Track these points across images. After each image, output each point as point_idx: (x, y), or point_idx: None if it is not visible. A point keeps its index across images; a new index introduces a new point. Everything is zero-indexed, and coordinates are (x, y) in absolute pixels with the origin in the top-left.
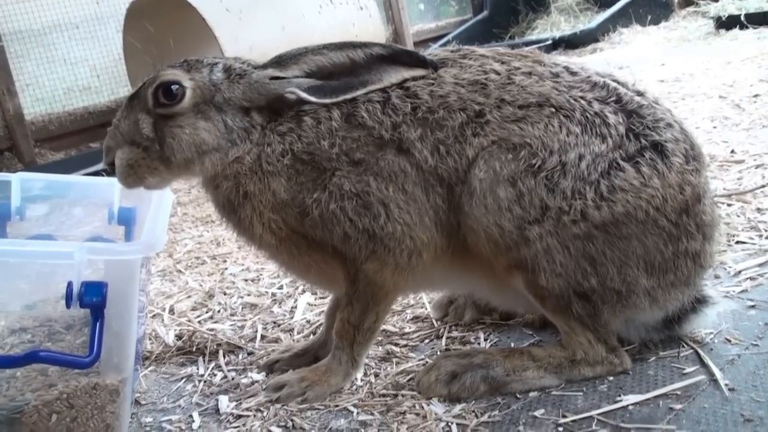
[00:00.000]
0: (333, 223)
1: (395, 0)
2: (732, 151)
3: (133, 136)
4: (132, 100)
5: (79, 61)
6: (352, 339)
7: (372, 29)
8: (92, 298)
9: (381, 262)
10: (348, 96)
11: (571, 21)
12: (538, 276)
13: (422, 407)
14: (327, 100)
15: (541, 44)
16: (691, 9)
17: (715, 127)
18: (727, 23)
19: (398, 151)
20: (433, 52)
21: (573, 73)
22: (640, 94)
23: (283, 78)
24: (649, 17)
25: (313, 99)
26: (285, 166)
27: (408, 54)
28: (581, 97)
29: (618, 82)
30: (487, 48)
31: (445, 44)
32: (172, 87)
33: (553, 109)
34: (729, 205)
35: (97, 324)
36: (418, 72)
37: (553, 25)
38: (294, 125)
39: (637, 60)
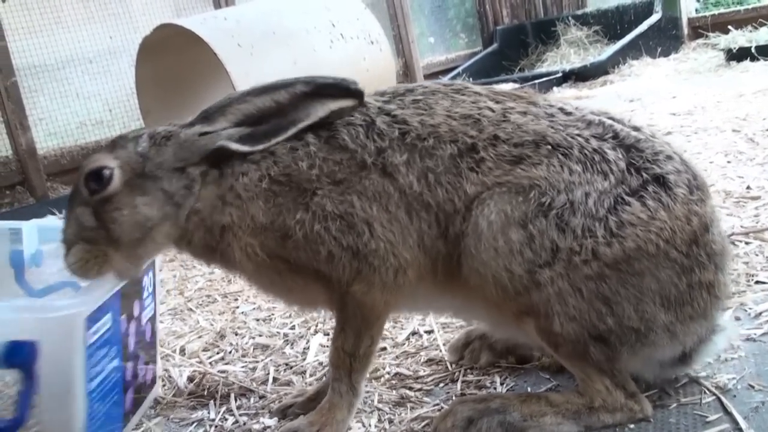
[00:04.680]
0: (317, 243)
1: (405, 33)
2: (748, 187)
3: (80, 233)
4: (71, 201)
5: (92, 96)
6: (349, 367)
7: (383, 63)
8: (19, 358)
9: (368, 282)
10: (280, 138)
11: (580, 53)
12: (552, 321)
13: None
14: (259, 146)
15: (552, 77)
16: (701, 41)
17: (729, 162)
18: (738, 55)
19: (382, 173)
20: (423, 83)
21: (568, 113)
22: (636, 129)
23: (212, 132)
24: (659, 49)
25: (245, 148)
26: (263, 189)
27: (331, 86)
28: (578, 135)
29: (613, 119)
30: (483, 86)
31: (455, 77)
32: (100, 172)
33: (550, 147)
34: (747, 243)
35: (26, 385)
36: (346, 103)
37: (563, 58)
38: (266, 153)
39: (648, 93)
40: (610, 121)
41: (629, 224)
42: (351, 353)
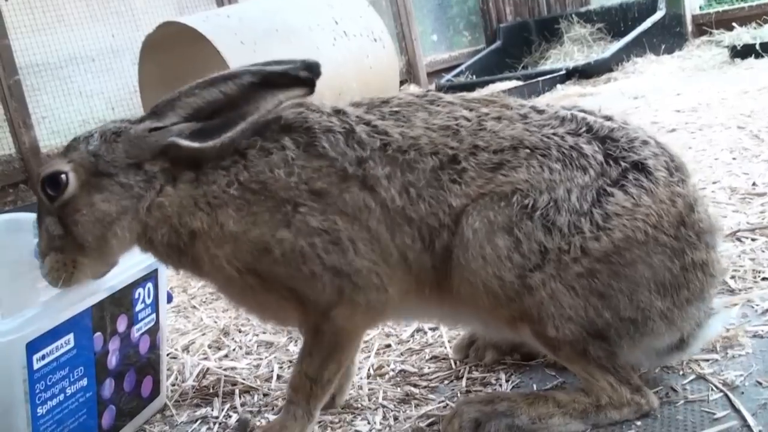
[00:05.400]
0: (299, 261)
1: (408, 31)
2: (753, 184)
3: (50, 243)
4: (38, 213)
5: (95, 94)
6: (309, 393)
7: (386, 60)
8: None
9: (352, 304)
10: (230, 133)
11: (584, 51)
12: (546, 326)
13: None
14: (210, 142)
15: (555, 74)
16: (705, 38)
17: (734, 159)
18: (742, 52)
19: (362, 186)
20: (398, 95)
21: (540, 112)
22: (608, 119)
23: (162, 127)
24: (663, 46)
25: (195, 145)
26: (232, 196)
27: (280, 75)
28: (553, 134)
29: (585, 112)
30: (455, 95)
31: (458, 74)
32: (55, 177)
33: (529, 150)
34: (753, 240)
35: None
36: (296, 92)
37: (566, 55)
38: (238, 157)
39: (652, 90)
40: (582, 114)
41: (615, 215)
42: (313, 378)
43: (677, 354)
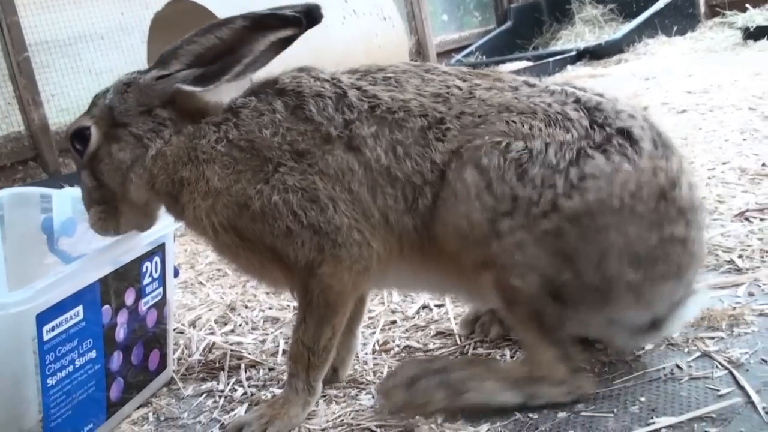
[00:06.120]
0: (275, 216)
1: (418, 11)
2: (763, 164)
3: (89, 195)
4: (77, 170)
5: (104, 72)
6: (307, 363)
7: (395, 40)
8: None
9: (335, 260)
10: (228, 75)
11: (595, 32)
12: (510, 273)
13: (444, 428)
14: (211, 86)
15: (566, 55)
16: (717, 19)
17: (745, 140)
18: (755, 34)
19: (347, 148)
20: (395, 63)
21: (531, 85)
22: (599, 95)
23: (168, 75)
24: (675, 28)
25: (198, 89)
26: (219, 153)
27: (270, 17)
28: (541, 102)
29: (576, 88)
30: (452, 67)
31: (468, 55)
32: (80, 133)
33: (514, 113)
34: (761, 219)
35: None
36: (285, 32)
37: (578, 36)
38: (230, 115)
39: (664, 71)
40: (572, 89)
41: (591, 177)
42: (310, 347)
43: (654, 333)
